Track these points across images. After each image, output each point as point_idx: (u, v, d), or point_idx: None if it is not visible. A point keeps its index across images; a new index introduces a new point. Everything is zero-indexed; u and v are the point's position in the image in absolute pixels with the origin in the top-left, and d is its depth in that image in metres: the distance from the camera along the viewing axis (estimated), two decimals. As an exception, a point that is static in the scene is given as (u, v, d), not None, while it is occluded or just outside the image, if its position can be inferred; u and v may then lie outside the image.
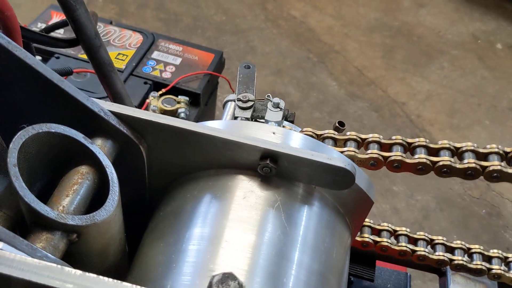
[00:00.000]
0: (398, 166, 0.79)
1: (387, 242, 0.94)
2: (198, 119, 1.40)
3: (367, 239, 0.94)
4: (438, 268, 1.09)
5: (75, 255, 0.57)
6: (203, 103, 1.43)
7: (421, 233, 0.96)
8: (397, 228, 0.97)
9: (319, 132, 0.82)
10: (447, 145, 0.80)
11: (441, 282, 1.09)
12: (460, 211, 1.86)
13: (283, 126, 0.81)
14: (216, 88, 1.59)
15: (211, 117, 1.65)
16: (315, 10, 2.70)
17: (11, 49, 0.57)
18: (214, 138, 0.64)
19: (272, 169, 0.63)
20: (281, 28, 2.55)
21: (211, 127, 0.65)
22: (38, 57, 1.21)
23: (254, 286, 0.57)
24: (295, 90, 2.25)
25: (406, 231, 0.96)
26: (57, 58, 1.38)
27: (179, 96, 1.35)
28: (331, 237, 0.69)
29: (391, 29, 2.67)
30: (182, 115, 1.31)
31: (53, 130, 0.57)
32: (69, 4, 0.73)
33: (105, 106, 0.63)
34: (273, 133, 0.67)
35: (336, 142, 0.83)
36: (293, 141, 0.69)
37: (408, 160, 0.79)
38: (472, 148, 0.80)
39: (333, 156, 0.63)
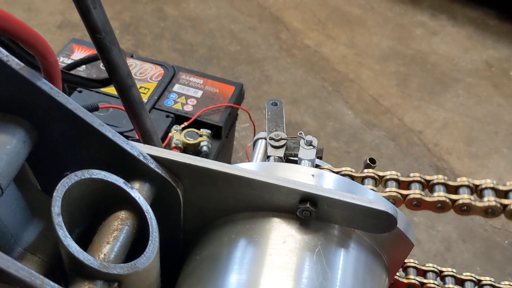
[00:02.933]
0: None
1: (434, 283, 0.92)
2: (219, 152, 1.39)
3: (413, 281, 0.92)
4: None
5: (115, 303, 0.56)
6: (224, 135, 1.43)
7: (468, 273, 0.94)
8: (443, 269, 0.94)
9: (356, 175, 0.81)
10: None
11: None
12: (483, 242, 1.82)
13: (318, 165, 0.80)
14: (236, 120, 1.59)
15: (231, 149, 1.65)
16: (328, 39, 2.72)
17: (53, 95, 0.57)
18: (252, 181, 0.63)
19: (312, 212, 0.62)
20: (295, 57, 2.57)
21: (249, 170, 0.64)
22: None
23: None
24: (311, 119, 2.25)
25: (452, 271, 0.94)
26: (80, 92, 1.39)
27: (201, 129, 1.34)
28: (371, 281, 0.67)
29: (405, 57, 2.68)
30: (205, 148, 1.31)
31: (95, 177, 0.56)
32: (104, 45, 0.73)
33: (144, 150, 0.63)
34: (312, 175, 0.66)
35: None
36: (331, 183, 0.68)
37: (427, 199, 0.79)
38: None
39: (374, 199, 0.62)
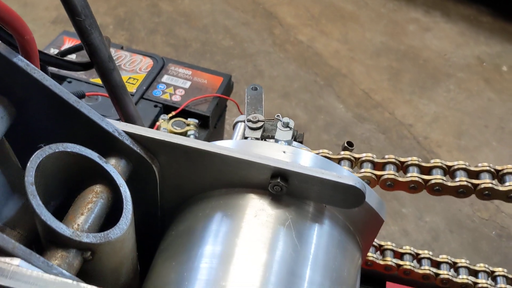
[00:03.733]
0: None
1: (410, 265, 0.93)
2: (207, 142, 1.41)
3: (389, 263, 0.93)
4: (449, 290, 1.07)
5: (89, 273, 0.57)
6: (212, 125, 1.45)
7: (444, 256, 0.96)
8: (420, 251, 0.96)
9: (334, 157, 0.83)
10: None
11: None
12: (470, 232, 1.84)
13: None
14: (225, 111, 1.60)
15: (220, 140, 1.66)
16: (321, 35, 2.74)
17: (30, 71, 0.59)
18: (225, 157, 0.65)
19: (282, 187, 0.64)
20: (288, 52, 2.59)
21: (223, 146, 0.66)
22: (51, 81, 1.23)
23: (266, 304, 0.57)
24: (302, 112, 2.27)
25: (429, 254, 0.96)
26: (70, 82, 1.41)
27: (189, 119, 1.36)
28: (342, 255, 0.69)
29: (397, 52, 2.70)
30: (192, 137, 1.32)
31: (69, 150, 0.58)
32: (84, 28, 0.75)
33: (119, 127, 0.64)
34: (284, 152, 0.68)
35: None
36: (303, 160, 0.70)
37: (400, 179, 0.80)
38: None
39: (343, 175, 0.64)
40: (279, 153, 0.68)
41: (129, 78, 1.46)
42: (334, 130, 2.21)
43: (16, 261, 0.47)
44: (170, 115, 1.36)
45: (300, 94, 2.39)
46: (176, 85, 1.47)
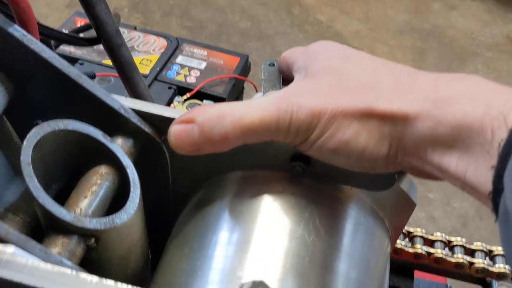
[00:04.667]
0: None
1: (442, 253, 0.87)
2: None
3: (419, 251, 0.87)
4: (482, 279, 1.01)
5: (95, 261, 0.53)
6: (229, 107, 1.40)
7: (478, 243, 0.89)
8: (452, 239, 0.90)
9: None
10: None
11: (485, 293, 1.02)
12: (500, 218, 1.77)
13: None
14: (242, 93, 1.55)
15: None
16: (342, 14, 2.65)
17: (26, 42, 0.54)
18: (241, 136, 0.59)
19: (304, 169, 0.59)
20: (307, 32, 2.51)
21: (238, 124, 0.60)
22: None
23: (287, 296, 0.52)
24: (323, 95, 2.21)
25: (462, 241, 0.89)
26: (81, 64, 1.37)
27: (204, 101, 1.32)
28: (370, 242, 0.63)
29: (422, 31, 2.59)
30: (208, 119, 1.28)
31: (70, 128, 0.53)
32: (89, 0, 0.70)
33: (126, 103, 0.59)
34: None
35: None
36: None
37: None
38: None
39: (371, 154, 0.58)
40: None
41: (143, 59, 1.41)
42: (355, 112, 2.14)
43: (10, 248, 0.43)
44: (185, 97, 1.31)
45: (320, 76, 2.32)
46: (191, 66, 1.42)
